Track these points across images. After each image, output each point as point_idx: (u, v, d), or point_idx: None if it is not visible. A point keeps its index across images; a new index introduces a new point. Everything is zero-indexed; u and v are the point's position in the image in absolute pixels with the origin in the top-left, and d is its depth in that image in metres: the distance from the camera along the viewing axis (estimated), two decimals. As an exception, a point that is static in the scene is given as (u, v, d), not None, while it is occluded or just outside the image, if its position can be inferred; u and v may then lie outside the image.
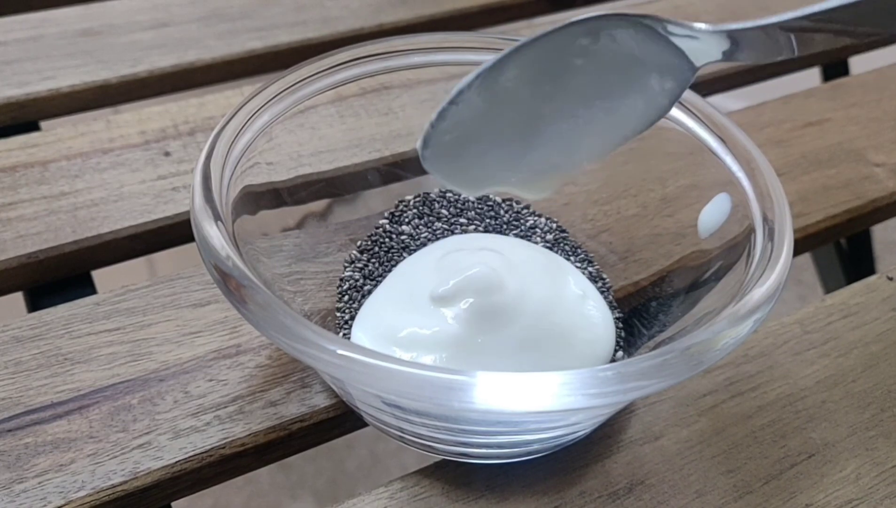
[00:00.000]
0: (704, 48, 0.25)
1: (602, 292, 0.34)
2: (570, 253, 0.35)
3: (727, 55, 0.25)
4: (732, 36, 0.24)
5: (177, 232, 0.38)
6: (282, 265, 0.32)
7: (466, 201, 0.36)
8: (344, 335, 0.31)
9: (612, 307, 0.33)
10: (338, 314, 0.32)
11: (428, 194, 0.36)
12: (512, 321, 0.29)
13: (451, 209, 0.36)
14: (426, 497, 0.29)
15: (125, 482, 0.28)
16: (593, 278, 0.34)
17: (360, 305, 0.32)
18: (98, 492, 0.28)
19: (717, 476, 0.30)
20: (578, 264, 0.34)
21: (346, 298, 0.33)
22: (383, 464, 0.97)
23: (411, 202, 0.36)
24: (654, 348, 0.31)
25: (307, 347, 0.23)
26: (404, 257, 0.34)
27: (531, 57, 0.24)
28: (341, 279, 0.33)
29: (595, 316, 0.31)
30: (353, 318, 0.32)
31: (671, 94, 0.26)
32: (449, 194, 0.36)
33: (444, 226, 0.35)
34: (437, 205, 0.36)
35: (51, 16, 0.49)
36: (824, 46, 0.24)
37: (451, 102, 0.24)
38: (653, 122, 0.26)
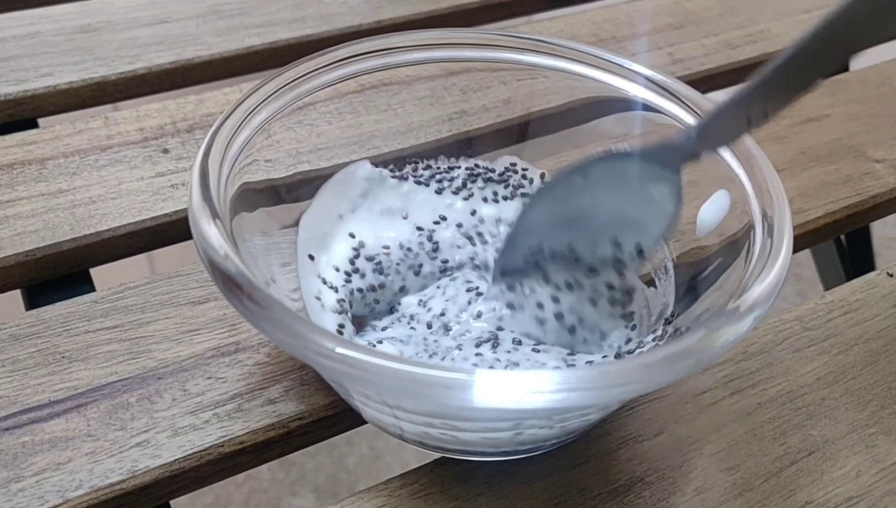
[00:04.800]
0: (679, 153, 0.29)
1: None
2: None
3: (703, 149, 0.29)
4: (700, 132, 0.28)
5: (175, 229, 0.37)
6: (280, 263, 0.32)
7: None
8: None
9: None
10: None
11: None
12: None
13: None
14: (425, 494, 0.29)
15: (123, 480, 0.28)
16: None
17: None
18: (96, 491, 0.28)
19: (716, 473, 0.30)
20: None
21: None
22: (384, 460, 0.97)
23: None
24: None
25: (305, 345, 0.23)
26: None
27: (553, 196, 0.30)
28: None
29: None
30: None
31: (672, 196, 0.29)
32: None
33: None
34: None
35: (48, 12, 0.49)
36: (790, 102, 0.26)
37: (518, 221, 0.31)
38: (671, 221, 0.30)
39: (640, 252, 0.31)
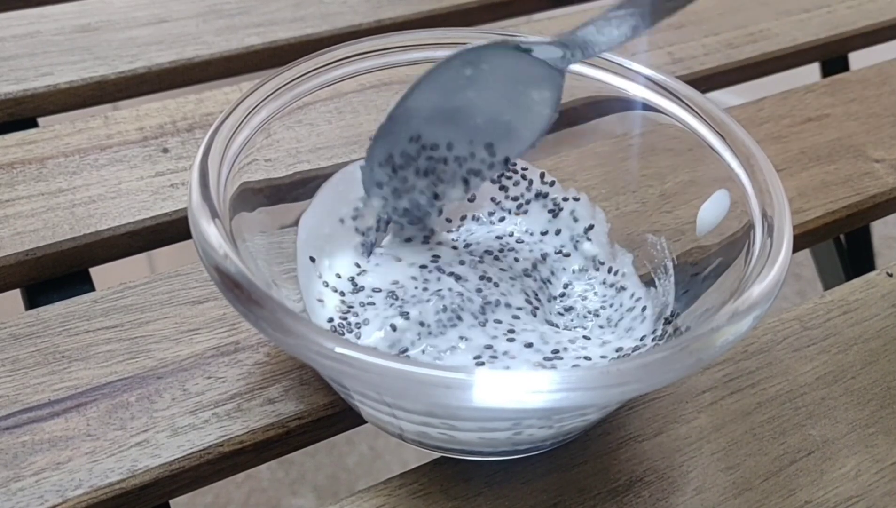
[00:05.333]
0: (562, 53, 0.30)
1: None
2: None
3: (585, 52, 0.30)
4: (581, 35, 0.29)
5: (175, 229, 0.37)
6: (279, 263, 0.32)
7: None
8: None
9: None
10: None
11: None
12: None
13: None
14: (425, 494, 0.29)
15: (123, 480, 0.28)
16: None
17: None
18: (96, 490, 0.28)
19: (716, 472, 0.30)
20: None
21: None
22: (383, 460, 0.97)
23: None
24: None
25: (305, 345, 0.23)
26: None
27: (432, 87, 0.31)
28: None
29: None
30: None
31: (551, 101, 0.31)
32: None
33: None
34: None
35: (48, 11, 0.49)
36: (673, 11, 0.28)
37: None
38: (543, 129, 0.32)
39: (506, 160, 0.33)
